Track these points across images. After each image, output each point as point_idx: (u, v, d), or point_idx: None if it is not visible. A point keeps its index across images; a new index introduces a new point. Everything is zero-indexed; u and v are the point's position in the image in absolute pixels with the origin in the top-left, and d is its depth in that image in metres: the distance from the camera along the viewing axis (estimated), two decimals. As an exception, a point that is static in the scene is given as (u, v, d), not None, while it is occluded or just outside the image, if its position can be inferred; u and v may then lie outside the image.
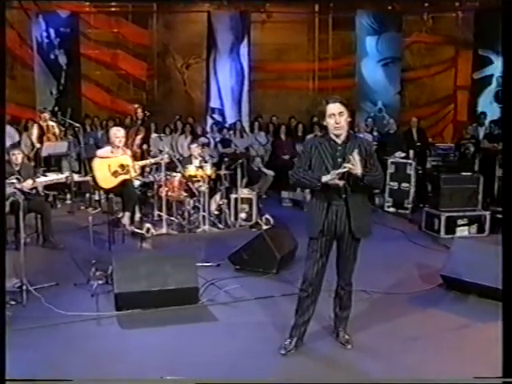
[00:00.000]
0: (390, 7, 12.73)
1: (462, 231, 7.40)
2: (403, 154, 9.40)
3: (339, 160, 3.68)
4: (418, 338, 4.17)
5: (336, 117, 3.66)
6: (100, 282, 5.12)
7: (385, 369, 3.72)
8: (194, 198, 7.71)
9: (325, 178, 3.62)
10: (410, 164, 9.03)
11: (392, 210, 8.97)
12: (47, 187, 8.04)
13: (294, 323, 3.98)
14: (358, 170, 3.56)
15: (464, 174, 7.93)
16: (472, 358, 3.90)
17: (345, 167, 3.56)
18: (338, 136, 3.71)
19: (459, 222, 7.39)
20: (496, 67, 12.67)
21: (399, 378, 3.55)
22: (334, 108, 3.67)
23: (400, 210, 9.00)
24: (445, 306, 4.85)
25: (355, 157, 3.56)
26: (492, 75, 12.69)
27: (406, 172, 8.97)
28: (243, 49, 12.52)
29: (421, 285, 5.36)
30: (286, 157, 10.92)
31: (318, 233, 3.74)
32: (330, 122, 3.69)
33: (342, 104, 3.69)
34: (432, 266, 5.83)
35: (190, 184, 7.69)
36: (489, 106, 12.61)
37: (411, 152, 9.70)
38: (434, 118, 13.37)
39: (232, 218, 8.07)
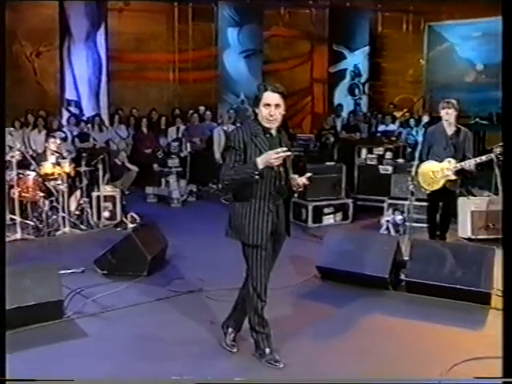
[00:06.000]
0: (248, 0, 12.81)
1: (328, 219, 7.65)
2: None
3: None
4: (305, 333, 4.12)
5: (271, 108, 3.36)
6: None
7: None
8: (52, 198, 7.10)
9: (262, 162, 3.25)
10: (276, 155, 9.11)
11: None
12: None
13: (263, 335, 3.67)
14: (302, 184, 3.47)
15: (328, 163, 8.20)
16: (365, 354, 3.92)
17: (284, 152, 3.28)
18: (269, 128, 3.44)
19: (325, 210, 7.64)
20: (349, 62, 13.42)
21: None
22: (271, 98, 3.36)
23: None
24: (323, 297, 4.90)
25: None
26: (346, 69, 13.41)
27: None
28: (100, 37, 11.77)
29: (295, 277, 5.37)
30: (149, 150, 10.64)
31: (268, 238, 3.49)
32: (263, 111, 3.38)
33: (281, 96, 3.38)
34: (304, 257, 5.91)
35: (46, 183, 7.05)
36: (344, 99, 13.31)
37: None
38: (292, 110, 13.72)
39: (95, 218, 7.59)
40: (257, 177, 3.28)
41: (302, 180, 3.43)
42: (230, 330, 3.89)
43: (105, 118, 11.53)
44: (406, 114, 11.63)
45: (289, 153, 3.28)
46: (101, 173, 7.83)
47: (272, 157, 3.23)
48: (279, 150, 3.25)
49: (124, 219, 7.55)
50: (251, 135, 3.40)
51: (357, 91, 13.43)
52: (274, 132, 3.47)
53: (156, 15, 12.96)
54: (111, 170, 9.29)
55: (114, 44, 12.20)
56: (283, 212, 3.58)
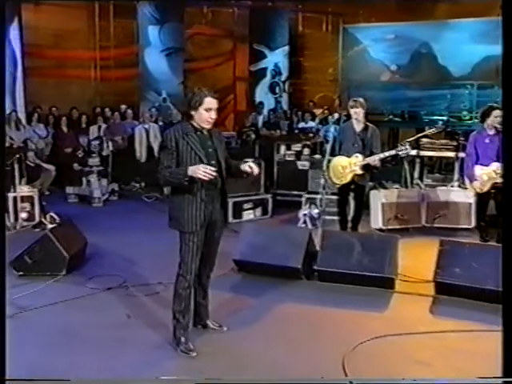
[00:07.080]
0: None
1: (248, 215, 7.86)
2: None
3: (210, 150, 3.76)
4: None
5: (212, 112, 3.71)
6: None
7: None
8: (-36, 200, 6.86)
9: (191, 171, 3.56)
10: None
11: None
12: None
13: (181, 325, 3.84)
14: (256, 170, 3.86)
15: (247, 160, 8.38)
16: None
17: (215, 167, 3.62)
18: (203, 128, 3.75)
19: (245, 206, 7.84)
20: (269, 61, 13.74)
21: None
22: (212, 103, 3.72)
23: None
24: (240, 289, 5.12)
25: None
26: (266, 68, 13.72)
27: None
28: (14, 32, 11.35)
29: (214, 271, 5.50)
30: (69, 150, 10.45)
31: (201, 226, 3.73)
32: (204, 114, 3.69)
33: (217, 100, 3.76)
34: (223, 251, 5.96)
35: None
36: (265, 97, 13.62)
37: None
38: (216, 108, 13.88)
39: (12, 219, 7.41)
40: (186, 183, 3.60)
41: (251, 165, 3.88)
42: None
43: (22, 116, 11.16)
44: (326, 112, 12.06)
45: (214, 174, 3.57)
46: (17, 173, 7.65)
47: (199, 172, 3.52)
48: (208, 167, 3.55)
49: (43, 220, 7.41)
50: (183, 134, 3.72)
51: (277, 89, 13.77)
52: (205, 130, 3.78)
53: (76, 11, 12.71)
54: (28, 171, 9.05)
55: (30, 39, 11.77)
56: (218, 201, 3.85)
